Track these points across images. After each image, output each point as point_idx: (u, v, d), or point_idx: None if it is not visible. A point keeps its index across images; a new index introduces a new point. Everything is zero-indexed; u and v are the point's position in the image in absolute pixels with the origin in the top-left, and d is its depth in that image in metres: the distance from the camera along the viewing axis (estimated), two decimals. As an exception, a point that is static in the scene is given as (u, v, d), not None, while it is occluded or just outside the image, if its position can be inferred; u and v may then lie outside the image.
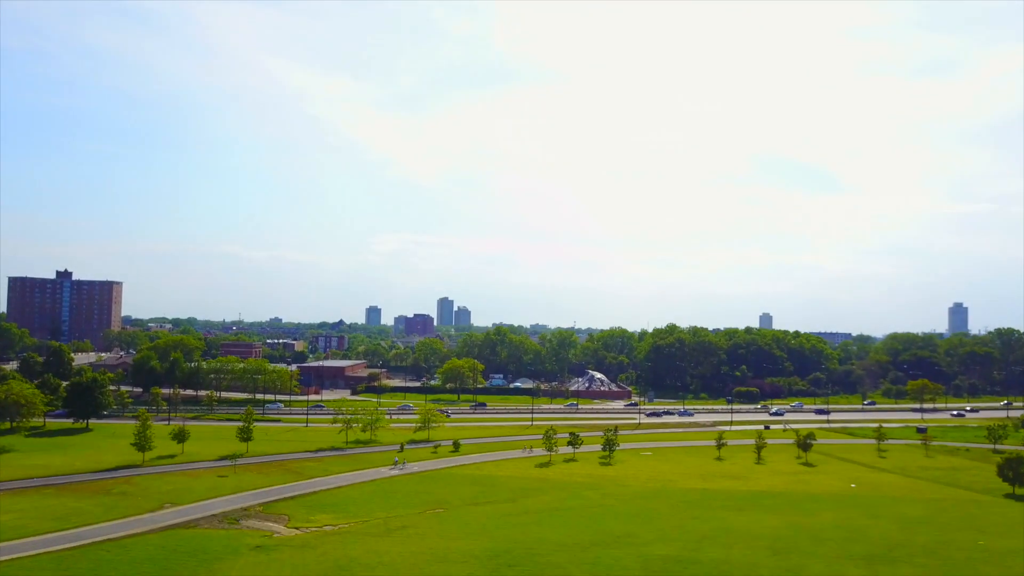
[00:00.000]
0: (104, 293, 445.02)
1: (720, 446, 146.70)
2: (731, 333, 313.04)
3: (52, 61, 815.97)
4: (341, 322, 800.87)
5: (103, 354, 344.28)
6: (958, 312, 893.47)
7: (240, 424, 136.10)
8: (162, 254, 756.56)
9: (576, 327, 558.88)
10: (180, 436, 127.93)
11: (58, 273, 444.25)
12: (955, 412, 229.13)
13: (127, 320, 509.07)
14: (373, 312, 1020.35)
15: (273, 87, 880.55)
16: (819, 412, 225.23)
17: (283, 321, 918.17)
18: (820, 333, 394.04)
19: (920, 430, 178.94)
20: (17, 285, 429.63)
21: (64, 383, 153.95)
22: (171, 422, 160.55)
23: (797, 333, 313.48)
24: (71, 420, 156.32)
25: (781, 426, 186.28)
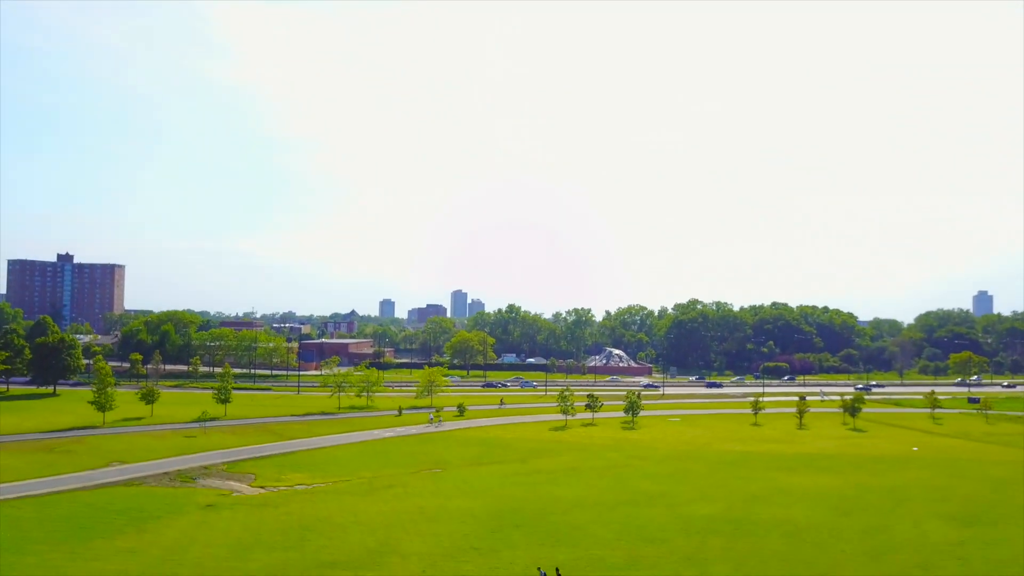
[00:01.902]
0: (106, 277, 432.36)
1: (757, 411, 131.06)
2: (756, 309, 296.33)
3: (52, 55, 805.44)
4: (353, 312, 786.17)
5: (102, 336, 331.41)
6: (982, 300, 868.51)
7: (217, 384, 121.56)
8: (174, 250, 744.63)
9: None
10: (148, 397, 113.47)
11: (59, 256, 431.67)
12: (1007, 384, 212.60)
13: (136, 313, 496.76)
14: (387, 305, 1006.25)
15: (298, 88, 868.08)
16: (859, 389, 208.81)
17: (297, 315, 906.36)
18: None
19: (972, 400, 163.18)
20: (16, 268, 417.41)
21: (29, 345, 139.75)
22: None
23: (826, 308, 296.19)
24: (36, 385, 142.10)
25: (819, 397, 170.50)
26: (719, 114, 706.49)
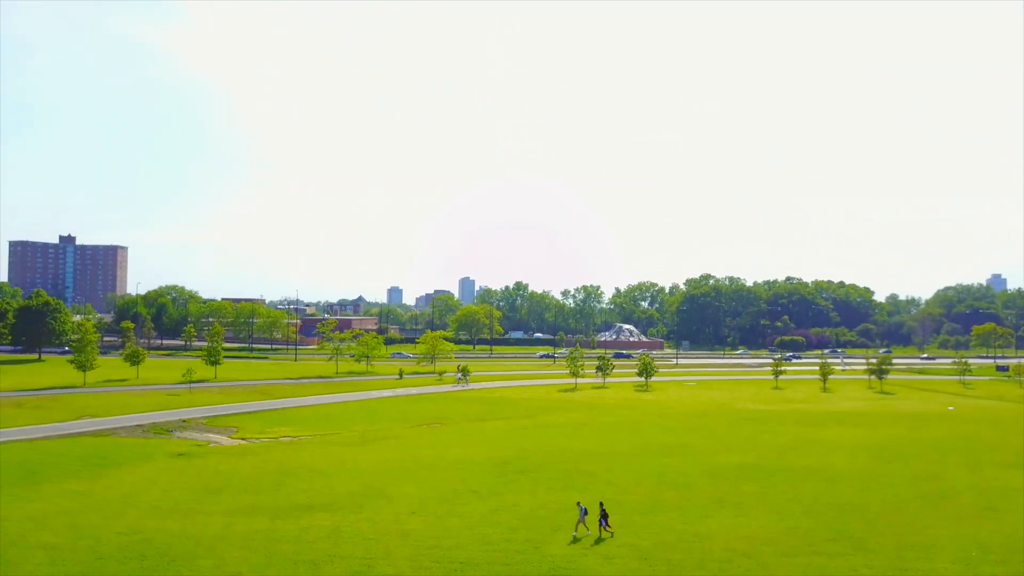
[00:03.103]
0: (109, 258, 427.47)
1: (777, 375, 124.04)
2: (770, 284, 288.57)
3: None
4: (360, 298, 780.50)
5: (104, 316, 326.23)
6: (997, 283, 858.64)
7: (207, 345, 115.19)
8: (180, 239, 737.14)
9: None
10: (133, 358, 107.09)
11: (61, 238, 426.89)
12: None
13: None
14: (395, 292, 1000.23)
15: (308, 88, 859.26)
16: (885, 352, 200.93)
17: (304, 301, 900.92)
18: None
19: (1001, 368, 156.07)
20: (18, 249, 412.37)
21: (12, 309, 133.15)
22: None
23: (842, 283, 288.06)
24: (20, 352, 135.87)
25: (840, 365, 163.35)
26: (719, 114, 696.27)
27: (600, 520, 35.80)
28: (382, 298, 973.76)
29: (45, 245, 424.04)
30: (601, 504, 36.75)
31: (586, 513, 36.10)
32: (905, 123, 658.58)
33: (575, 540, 35.08)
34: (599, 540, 35.10)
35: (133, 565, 31.36)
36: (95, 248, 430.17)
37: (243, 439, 66.21)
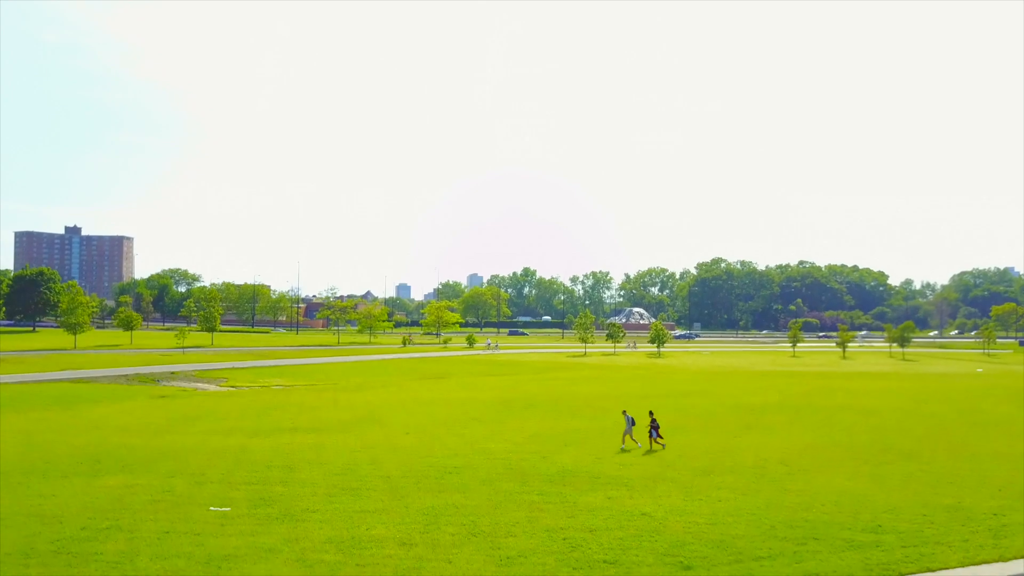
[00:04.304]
0: (115, 248, 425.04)
1: (795, 345, 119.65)
2: (783, 268, 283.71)
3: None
4: (369, 293, 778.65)
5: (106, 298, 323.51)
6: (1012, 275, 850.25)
7: (203, 312, 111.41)
8: (182, 238, 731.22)
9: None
10: (127, 323, 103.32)
11: (67, 228, 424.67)
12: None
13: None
14: (403, 289, 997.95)
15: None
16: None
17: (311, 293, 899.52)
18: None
19: (1022, 343, 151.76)
20: (23, 240, 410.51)
21: (7, 279, 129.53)
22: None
23: (856, 267, 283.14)
24: (14, 324, 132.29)
25: (858, 340, 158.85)
26: (719, 114, 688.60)
27: (651, 431, 32.18)
28: (391, 294, 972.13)
29: (51, 236, 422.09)
30: (651, 413, 33.00)
31: (633, 423, 32.41)
32: (905, 123, 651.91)
33: (623, 451, 31.19)
34: (649, 452, 31.20)
35: (84, 468, 27.37)
36: (100, 238, 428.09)
37: (233, 387, 62.30)
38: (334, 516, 20.41)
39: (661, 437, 32.06)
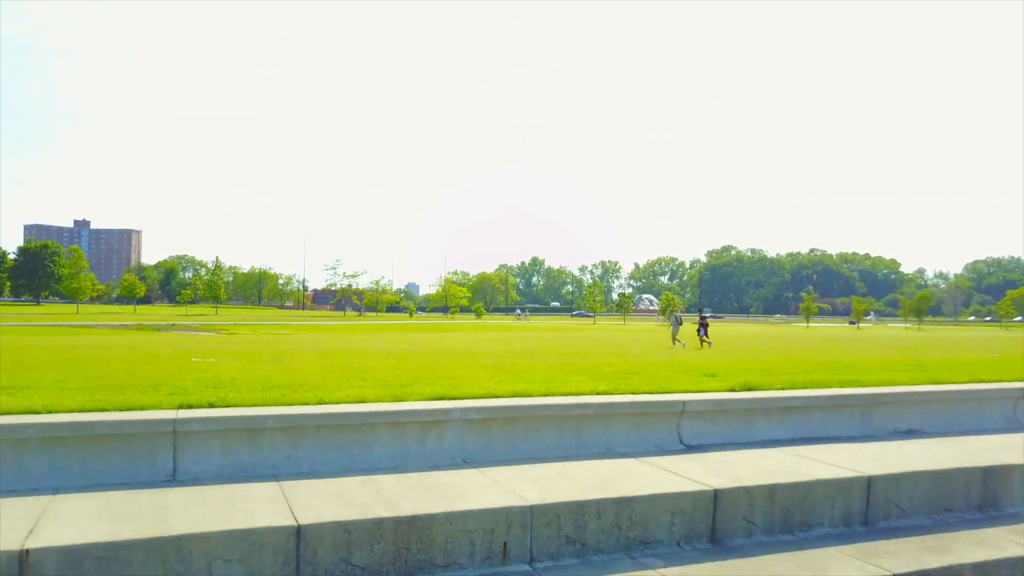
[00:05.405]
0: (123, 241, 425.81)
1: (808, 318, 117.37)
2: (794, 256, 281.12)
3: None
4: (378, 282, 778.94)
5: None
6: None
7: (207, 281, 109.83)
8: (183, 237, 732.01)
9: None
10: (130, 291, 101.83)
11: (76, 222, 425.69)
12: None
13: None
14: (411, 287, 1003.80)
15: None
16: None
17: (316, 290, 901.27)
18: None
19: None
20: (32, 233, 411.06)
21: (11, 253, 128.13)
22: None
23: (868, 255, 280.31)
24: (19, 299, 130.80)
25: (871, 321, 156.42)
26: (719, 114, 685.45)
27: (699, 328, 31.75)
28: (399, 287, 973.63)
29: (60, 228, 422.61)
30: (701, 310, 32.61)
31: (680, 322, 31.92)
32: (905, 123, 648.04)
33: (674, 348, 30.24)
34: (697, 350, 30.04)
35: (60, 359, 25.38)
36: (109, 232, 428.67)
37: (231, 335, 60.39)
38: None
39: (708, 337, 31.51)
